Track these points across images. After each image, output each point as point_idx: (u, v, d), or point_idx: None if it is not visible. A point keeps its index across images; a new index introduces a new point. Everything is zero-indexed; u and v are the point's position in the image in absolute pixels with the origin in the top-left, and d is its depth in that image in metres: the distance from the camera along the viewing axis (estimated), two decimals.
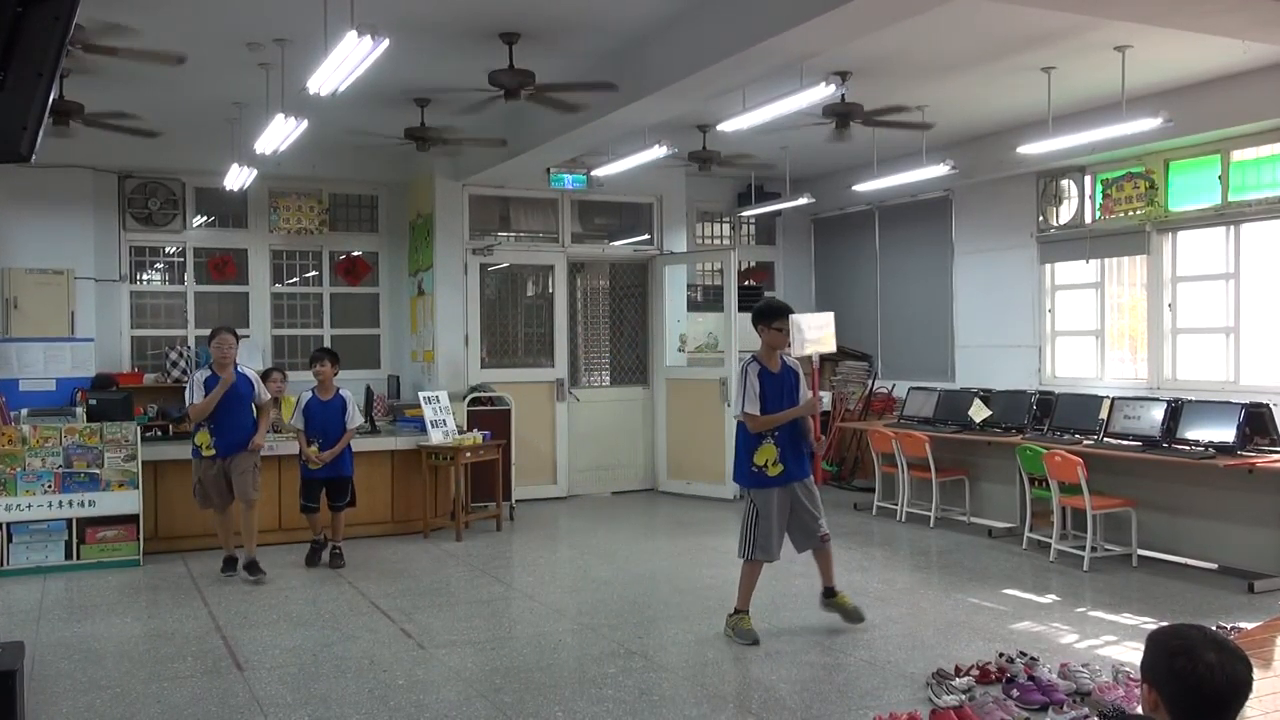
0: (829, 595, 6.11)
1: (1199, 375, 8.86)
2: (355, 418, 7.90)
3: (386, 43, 5.44)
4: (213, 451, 7.29)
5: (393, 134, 8.66)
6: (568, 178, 10.71)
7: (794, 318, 6.05)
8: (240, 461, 7.32)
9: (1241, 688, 2.14)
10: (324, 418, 7.78)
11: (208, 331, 10.48)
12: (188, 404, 7.39)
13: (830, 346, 6.57)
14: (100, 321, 10.19)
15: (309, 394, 7.87)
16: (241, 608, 6.57)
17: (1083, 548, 7.48)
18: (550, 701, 4.84)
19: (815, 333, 6.37)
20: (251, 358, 10.56)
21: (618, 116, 7.64)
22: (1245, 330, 8.55)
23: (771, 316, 5.87)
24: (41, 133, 2.09)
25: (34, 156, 2.16)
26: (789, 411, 5.82)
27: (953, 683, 4.83)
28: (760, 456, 5.79)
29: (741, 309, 11.07)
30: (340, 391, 7.89)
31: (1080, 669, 4.98)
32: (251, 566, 7.25)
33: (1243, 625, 5.51)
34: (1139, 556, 7.51)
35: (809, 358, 6.29)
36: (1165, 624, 2.32)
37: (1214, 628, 5.33)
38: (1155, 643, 2.23)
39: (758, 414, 5.74)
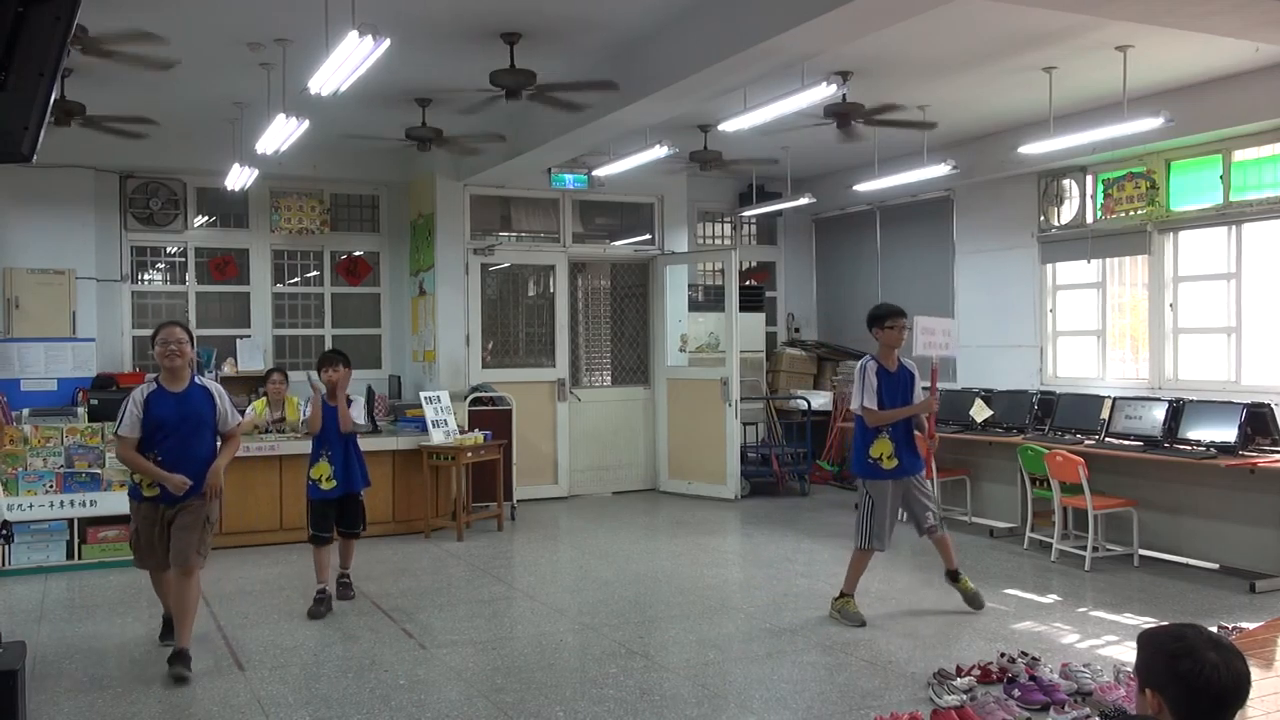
0: (953, 578, 6.41)
1: (1200, 375, 8.86)
2: (357, 412, 6.75)
3: (388, 43, 5.44)
4: (155, 492, 5.33)
5: (394, 134, 8.66)
6: (569, 178, 10.72)
7: (916, 319, 6.36)
8: (187, 513, 5.32)
9: (1244, 684, 2.15)
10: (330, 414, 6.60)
11: (211, 332, 10.64)
12: (116, 433, 5.44)
13: (952, 351, 6.70)
14: (101, 321, 10.19)
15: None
16: (242, 608, 6.57)
17: (1084, 548, 7.48)
18: (551, 701, 4.84)
19: (936, 336, 6.50)
20: (253, 358, 10.59)
21: (619, 116, 7.64)
22: (1247, 330, 8.55)
23: (885, 318, 6.22)
24: (43, 132, 2.09)
25: (35, 156, 2.16)
26: (905, 409, 6.18)
27: (954, 683, 4.83)
28: (876, 450, 6.15)
29: (742, 309, 11.09)
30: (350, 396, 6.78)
31: (1082, 669, 4.97)
32: (179, 658, 5.17)
33: (1244, 625, 5.51)
34: (1140, 556, 7.51)
35: (928, 358, 6.49)
36: (1152, 626, 2.31)
37: (1215, 628, 5.35)
38: (1152, 647, 2.21)
39: (875, 409, 6.09)
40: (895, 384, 6.19)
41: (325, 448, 6.55)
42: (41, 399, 9.41)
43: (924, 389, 6.34)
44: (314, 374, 6.70)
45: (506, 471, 9.56)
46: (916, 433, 6.34)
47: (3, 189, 9.64)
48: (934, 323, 6.57)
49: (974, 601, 6.33)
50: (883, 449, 6.13)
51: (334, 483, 6.52)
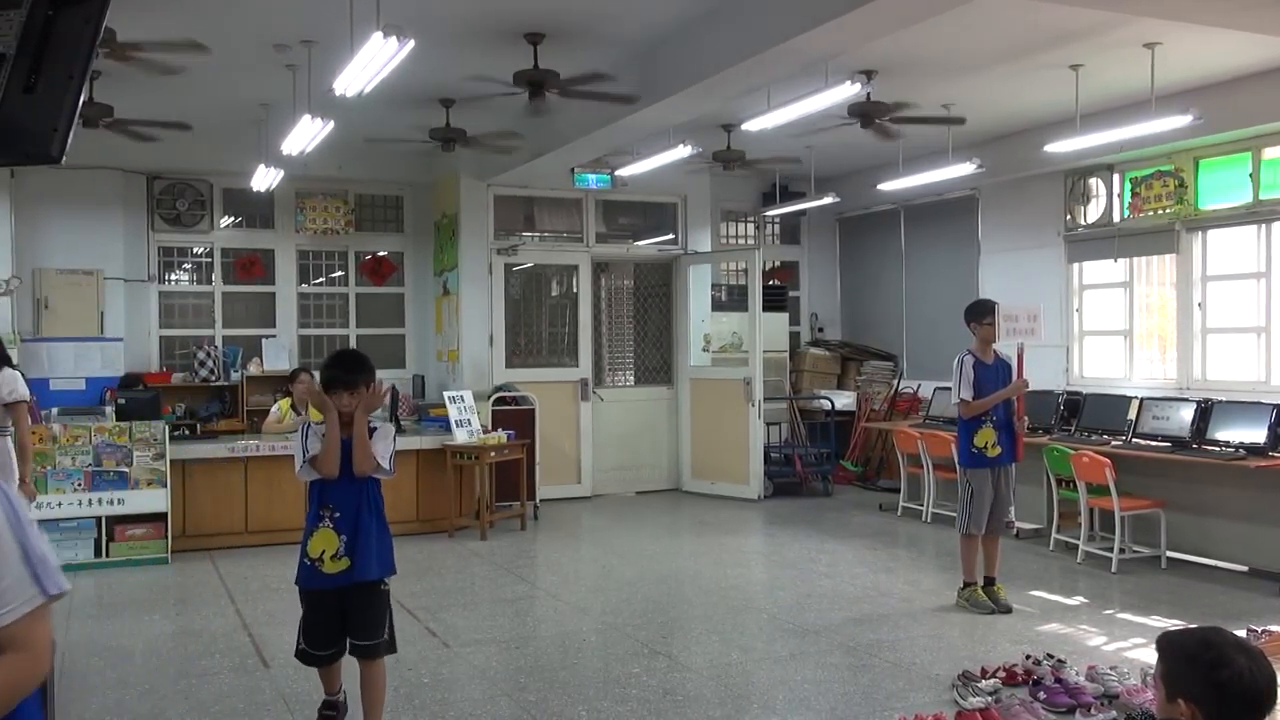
0: (989, 584, 6.48)
1: (1229, 375, 8.76)
2: (381, 446, 4.21)
3: (412, 44, 5.46)
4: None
5: (418, 135, 8.70)
6: (592, 177, 10.73)
7: (999, 306, 6.51)
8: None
9: (1275, 685, 2.14)
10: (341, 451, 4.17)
11: (237, 332, 10.72)
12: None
13: (1039, 337, 6.77)
14: (129, 321, 10.29)
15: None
16: (268, 606, 6.61)
17: (1111, 549, 7.41)
18: (574, 701, 4.84)
19: (1020, 322, 6.59)
20: (278, 358, 10.66)
21: (642, 117, 7.64)
22: (1276, 330, 8.44)
23: (981, 314, 6.53)
24: (72, 135, 2.10)
25: (64, 158, 2.18)
26: (998, 394, 6.42)
27: (979, 685, 4.80)
28: (980, 439, 6.42)
29: (766, 309, 11.07)
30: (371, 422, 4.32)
31: (1108, 671, 4.93)
32: None
33: (1274, 628, 5.45)
34: (1168, 558, 7.44)
35: (1016, 345, 6.62)
36: (1171, 630, 2.27)
37: (1245, 631, 5.30)
38: (1182, 656, 2.17)
39: (971, 400, 6.37)
40: (993, 376, 6.46)
41: (329, 505, 4.13)
42: (70, 398, 9.51)
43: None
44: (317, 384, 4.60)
45: (530, 471, 9.58)
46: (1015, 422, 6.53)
47: (32, 191, 9.75)
48: (1018, 309, 6.65)
49: (1002, 608, 6.35)
50: (987, 438, 6.40)
51: (345, 562, 4.10)
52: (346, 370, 4.26)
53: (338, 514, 4.14)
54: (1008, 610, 6.30)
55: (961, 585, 6.47)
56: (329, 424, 4.14)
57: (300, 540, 4.27)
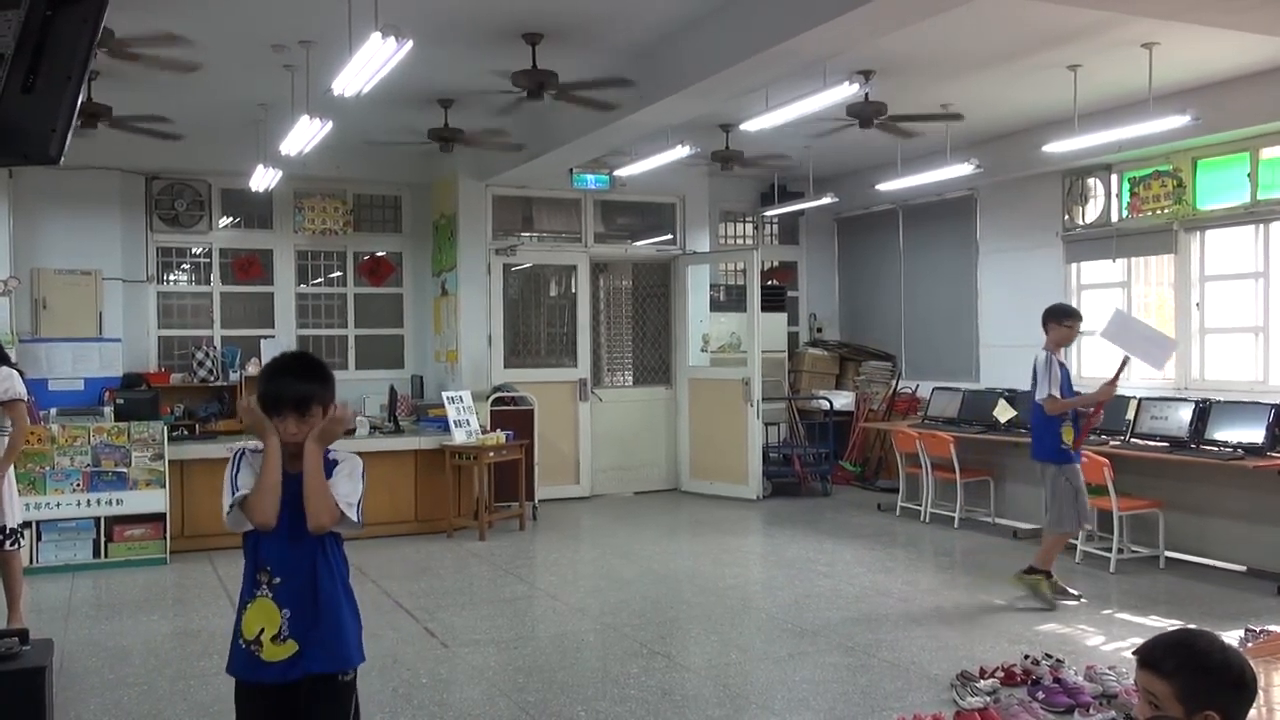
0: (1029, 571, 6.61)
1: (1227, 375, 8.75)
2: (346, 487, 2.96)
3: (410, 44, 5.46)
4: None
5: (416, 135, 8.70)
6: (590, 178, 10.74)
7: (1136, 317, 6.70)
8: None
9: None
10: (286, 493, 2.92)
11: (235, 333, 10.73)
12: None
13: (1155, 364, 6.98)
14: (128, 322, 10.28)
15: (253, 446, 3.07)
16: None
17: (1109, 549, 7.42)
18: (573, 701, 4.85)
19: (1145, 343, 6.73)
20: None
21: (640, 117, 7.64)
22: (1275, 330, 8.44)
23: (1067, 316, 6.71)
24: (70, 135, 2.10)
25: (62, 158, 2.18)
26: (1085, 396, 6.68)
27: (977, 684, 4.80)
28: (1068, 435, 6.52)
29: (764, 309, 11.07)
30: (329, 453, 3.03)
31: (1107, 671, 4.93)
32: None
33: (1272, 628, 5.45)
34: (1166, 558, 7.45)
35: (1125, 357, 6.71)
36: (1175, 649, 2.16)
37: (1243, 631, 5.31)
38: (1201, 670, 2.08)
39: (1059, 397, 6.45)
40: (1067, 375, 6.63)
41: (266, 568, 2.93)
42: (69, 398, 9.51)
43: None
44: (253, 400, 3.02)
45: (528, 471, 9.58)
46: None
47: (31, 191, 9.75)
48: (1152, 331, 6.79)
49: (1047, 603, 6.49)
50: (1069, 435, 6.52)
51: (290, 646, 2.89)
52: (296, 380, 2.96)
53: (278, 579, 2.91)
54: (1052, 606, 6.43)
55: (1028, 570, 6.54)
56: (267, 453, 2.89)
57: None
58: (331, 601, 2.95)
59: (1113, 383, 6.55)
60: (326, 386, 2.99)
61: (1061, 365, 6.58)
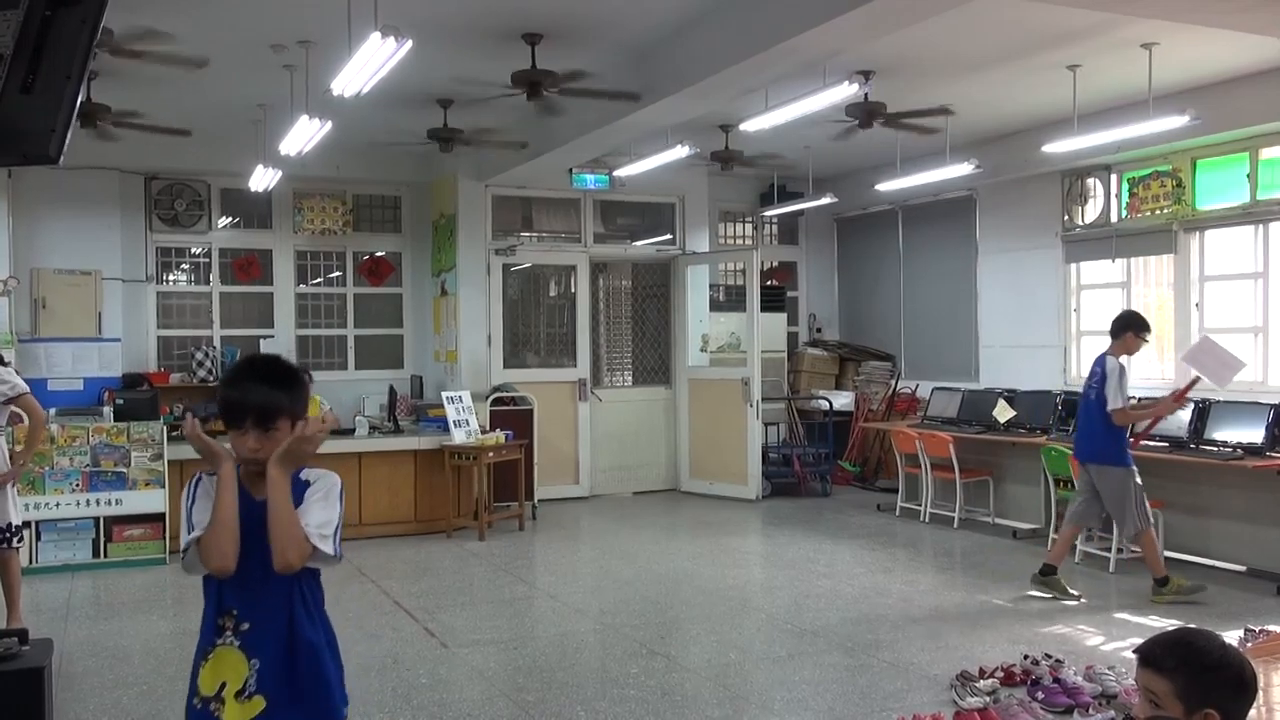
0: (1052, 571, 6.70)
1: None
2: (319, 514, 2.47)
3: (410, 44, 5.46)
4: None
5: (416, 135, 8.70)
6: (590, 178, 10.74)
7: (1217, 339, 6.89)
8: None
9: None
10: (251, 522, 2.41)
11: (234, 333, 10.72)
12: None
13: (1219, 383, 6.94)
14: (127, 322, 10.28)
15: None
16: None
17: (1109, 549, 7.42)
18: (573, 701, 4.85)
19: (1218, 365, 6.71)
20: None
21: (640, 117, 7.64)
22: (1274, 330, 8.45)
23: (1143, 328, 6.71)
24: (69, 135, 2.10)
25: (62, 159, 2.18)
26: (1151, 409, 6.84)
27: (977, 685, 4.80)
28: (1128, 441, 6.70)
29: (764, 309, 11.07)
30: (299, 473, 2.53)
31: (1106, 671, 4.94)
32: None
33: (1271, 628, 5.45)
34: (1166, 558, 7.43)
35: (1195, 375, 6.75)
36: (1173, 647, 2.13)
37: (1243, 631, 5.31)
38: (1201, 668, 2.08)
39: (1127, 409, 6.57)
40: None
41: (230, 611, 2.51)
42: (68, 399, 9.50)
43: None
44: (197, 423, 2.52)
45: (528, 471, 9.58)
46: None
47: (30, 191, 9.74)
48: (1228, 356, 6.74)
49: (1064, 595, 6.65)
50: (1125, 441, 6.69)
51: (258, 704, 2.49)
52: (261, 386, 2.50)
53: (246, 625, 2.48)
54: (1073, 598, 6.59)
55: (1156, 582, 6.57)
56: (220, 482, 2.41)
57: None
58: (312, 647, 2.49)
59: (1180, 397, 6.62)
60: (296, 397, 2.54)
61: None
